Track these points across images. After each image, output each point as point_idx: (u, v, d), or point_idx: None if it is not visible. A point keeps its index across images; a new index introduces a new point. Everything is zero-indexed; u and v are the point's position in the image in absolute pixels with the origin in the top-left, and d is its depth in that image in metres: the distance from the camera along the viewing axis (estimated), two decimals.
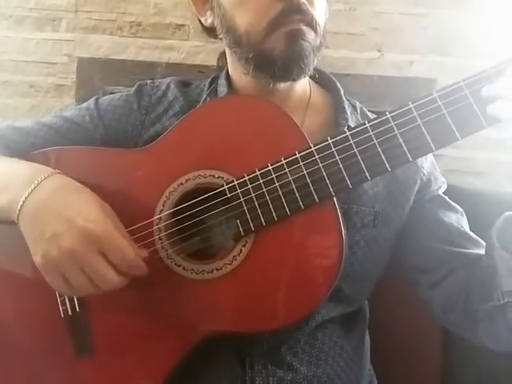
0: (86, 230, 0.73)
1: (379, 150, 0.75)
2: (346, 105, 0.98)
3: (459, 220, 0.96)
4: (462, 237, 0.94)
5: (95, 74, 1.62)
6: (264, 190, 0.78)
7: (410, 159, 0.74)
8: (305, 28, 0.85)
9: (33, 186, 0.78)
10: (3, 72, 1.63)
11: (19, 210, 0.78)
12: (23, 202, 0.78)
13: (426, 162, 0.99)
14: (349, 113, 0.96)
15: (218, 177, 0.82)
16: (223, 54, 1.03)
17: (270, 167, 0.79)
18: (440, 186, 1.00)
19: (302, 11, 0.84)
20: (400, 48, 1.61)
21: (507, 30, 1.54)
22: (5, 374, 0.87)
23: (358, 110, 1.01)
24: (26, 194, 0.78)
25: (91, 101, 1.02)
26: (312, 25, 0.85)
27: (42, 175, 0.80)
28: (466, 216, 0.98)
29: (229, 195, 0.80)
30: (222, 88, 0.99)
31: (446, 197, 0.99)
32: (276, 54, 0.85)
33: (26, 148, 0.94)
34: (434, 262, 0.94)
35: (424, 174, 0.97)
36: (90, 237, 0.73)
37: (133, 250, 0.76)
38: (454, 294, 0.91)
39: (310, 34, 0.85)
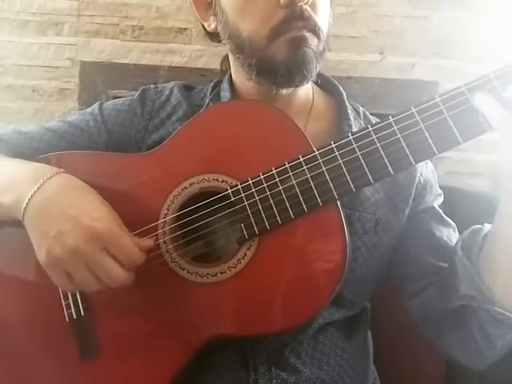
0: (90, 229, 0.74)
1: (382, 153, 0.75)
2: (350, 110, 0.98)
3: (450, 235, 0.95)
4: (450, 252, 0.93)
5: (98, 77, 1.62)
6: (268, 193, 0.79)
7: (413, 163, 0.74)
8: (307, 34, 0.84)
9: (38, 185, 0.79)
10: (6, 76, 1.63)
11: (24, 209, 0.78)
12: (28, 200, 0.78)
13: (426, 169, 0.99)
14: (352, 118, 0.96)
15: (222, 181, 0.82)
16: (226, 58, 1.03)
17: (274, 171, 0.79)
18: (436, 198, 0.99)
19: (305, 18, 0.83)
20: (402, 51, 1.62)
21: (509, 33, 1.54)
22: (8, 376, 0.87)
23: (361, 115, 1.01)
24: (32, 192, 0.78)
25: (95, 106, 1.03)
26: (315, 31, 0.85)
27: (47, 174, 0.81)
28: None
29: (233, 199, 0.80)
30: (225, 92, 0.99)
31: (441, 210, 0.99)
32: (279, 60, 0.85)
33: (30, 152, 0.94)
34: (418, 272, 0.94)
35: (420, 182, 0.96)
36: (94, 235, 0.74)
37: (137, 248, 0.76)
38: (432, 305, 0.91)
39: (312, 41, 0.85)
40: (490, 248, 0.80)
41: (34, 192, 0.78)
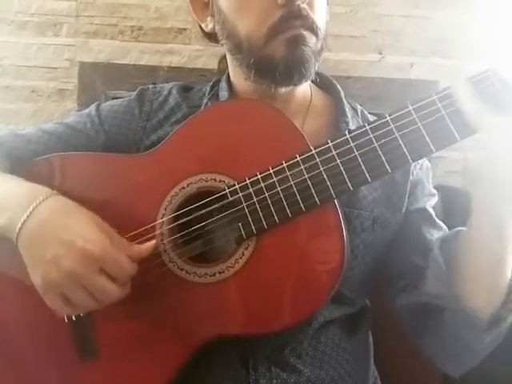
0: (84, 251, 0.74)
1: (379, 152, 0.75)
2: (347, 108, 0.98)
3: None
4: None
5: (97, 78, 1.63)
6: (265, 193, 0.79)
7: (411, 161, 0.74)
8: (305, 33, 0.84)
9: (31, 209, 0.79)
10: (5, 77, 1.64)
11: (17, 233, 0.78)
12: (21, 224, 0.78)
13: (420, 167, 0.98)
14: (349, 116, 0.96)
15: (220, 180, 0.82)
16: (224, 58, 1.03)
17: (271, 170, 0.79)
18: (429, 199, 0.98)
19: (303, 16, 0.84)
20: (401, 50, 1.62)
21: (507, 31, 1.54)
22: (8, 377, 0.87)
23: (359, 113, 1.00)
24: (25, 216, 0.78)
25: (92, 107, 1.02)
26: (313, 29, 0.85)
27: (39, 197, 0.80)
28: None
29: (230, 199, 0.80)
30: (224, 92, 0.99)
31: (433, 212, 0.97)
32: (277, 59, 0.85)
33: (27, 155, 0.94)
34: (404, 272, 0.94)
35: (411, 180, 0.95)
36: (89, 257, 0.74)
37: (131, 263, 0.77)
38: (413, 307, 0.91)
39: (310, 39, 0.85)
40: (462, 249, 0.80)
41: (27, 216, 0.78)
